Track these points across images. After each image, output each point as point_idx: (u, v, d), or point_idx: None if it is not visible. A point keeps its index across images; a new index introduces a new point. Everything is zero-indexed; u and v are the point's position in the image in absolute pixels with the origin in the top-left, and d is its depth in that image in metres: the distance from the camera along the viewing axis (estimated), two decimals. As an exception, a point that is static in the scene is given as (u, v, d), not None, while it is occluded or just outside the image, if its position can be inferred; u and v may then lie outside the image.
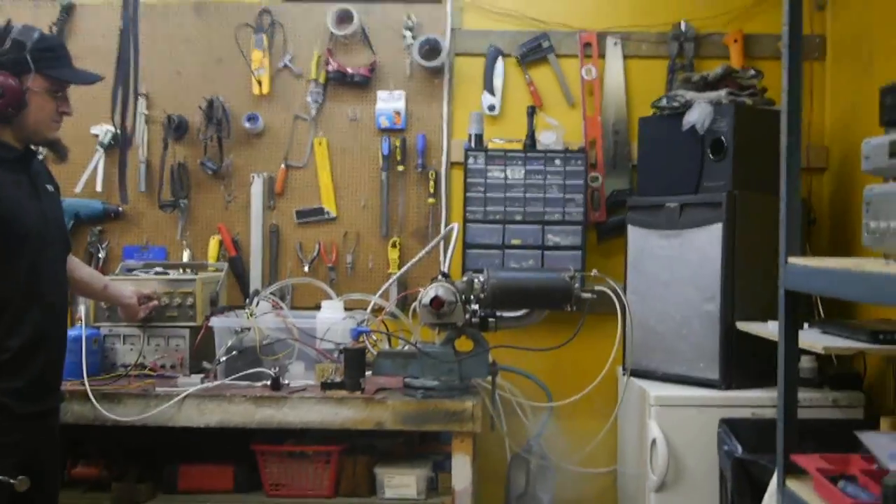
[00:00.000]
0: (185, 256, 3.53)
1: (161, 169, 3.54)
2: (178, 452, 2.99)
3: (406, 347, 3.00)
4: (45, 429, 2.50)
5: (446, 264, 3.10)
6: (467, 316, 2.89)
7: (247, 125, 3.53)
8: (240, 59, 3.54)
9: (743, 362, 2.98)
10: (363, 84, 3.55)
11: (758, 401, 2.90)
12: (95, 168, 3.53)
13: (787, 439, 2.05)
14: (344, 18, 3.52)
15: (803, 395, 2.86)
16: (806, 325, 2.74)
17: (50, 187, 2.56)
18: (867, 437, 1.94)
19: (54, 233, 2.52)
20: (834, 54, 3.58)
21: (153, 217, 3.58)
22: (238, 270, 3.51)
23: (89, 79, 2.58)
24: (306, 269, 3.55)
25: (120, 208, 3.54)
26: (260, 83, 3.53)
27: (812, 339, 2.43)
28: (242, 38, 3.55)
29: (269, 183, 3.56)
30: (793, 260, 2.05)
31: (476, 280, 2.90)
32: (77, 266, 2.80)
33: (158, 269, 3.26)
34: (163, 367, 3.08)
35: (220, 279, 3.30)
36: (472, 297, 2.89)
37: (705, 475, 2.87)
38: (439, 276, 2.94)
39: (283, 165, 3.56)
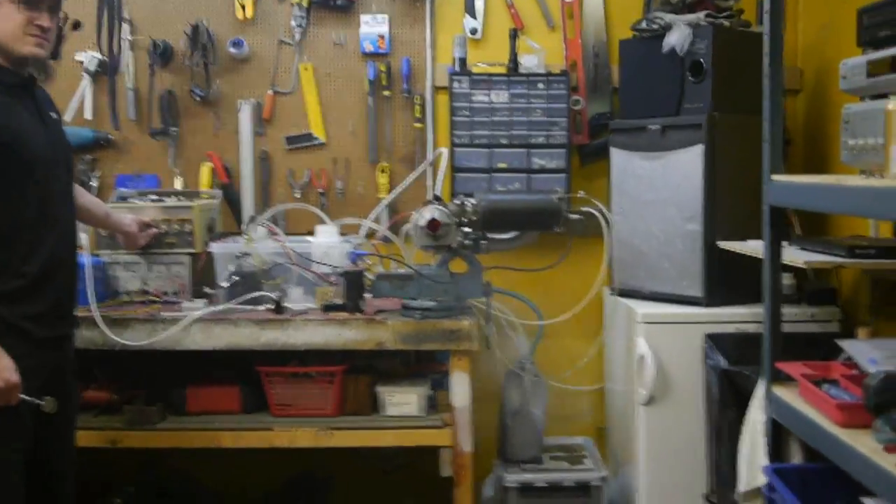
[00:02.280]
0: (178, 184, 3.57)
1: (150, 96, 3.55)
2: (184, 376, 3.08)
3: (403, 270, 3.09)
4: (63, 353, 2.58)
5: (437, 188, 3.18)
6: (460, 238, 3.00)
7: (232, 50, 3.54)
8: (222, -17, 3.54)
9: (725, 280, 3.11)
10: (346, 8, 3.57)
11: (740, 316, 3.04)
12: (83, 95, 3.54)
13: (774, 348, 2.19)
14: (327, -61, 3.53)
15: (783, 310, 3.04)
16: (785, 244, 2.89)
17: (53, 114, 2.58)
18: (848, 345, 2.10)
19: (61, 159, 2.55)
20: (807, -25, 3.66)
21: (144, 145, 3.60)
22: (231, 198, 3.56)
23: None
24: (297, 194, 3.61)
25: (110, 136, 3.56)
26: (244, 7, 3.53)
27: (793, 255, 2.57)
28: (224, -40, 3.55)
29: (257, 109, 3.60)
30: (776, 177, 2.17)
31: (468, 203, 3.00)
32: (80, 193, 2.84)
33: (153, 196, 3.31)
34: (164, 293, 3.15)
35: (215, 206, 3.36)
36: (464, 219, 2.99)
37: (691, 388, 3.02)
38: (432, 200, 3.03)
39: (270, 91, 3.59)
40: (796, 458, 2.22)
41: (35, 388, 2.40)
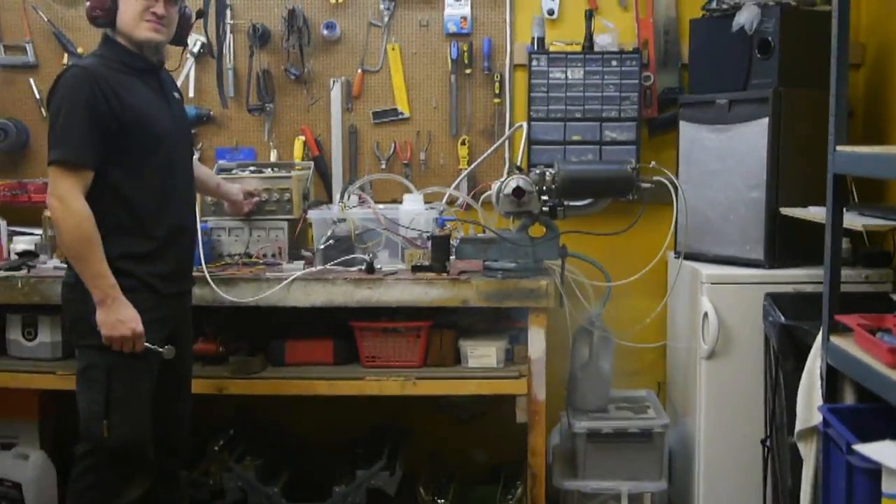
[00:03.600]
0: (273, 156, 3.86)
1: (249, 75, 3.84)
2: (283, 331, 3.38)
3: (485, 234, 3.34)
4: (182, 307, 2.90)
5: (519, 159, 3.42)
6: (539, 205, 3.23)
7: (325, 32, 3.81)
8: (314, -30, 3.82)
9: (785, 244, 3.31)
10: (432, -9, 3.83)
11: (798, 277, 3.25)
12: (188, 76, 3.85)
13: (832, 301, 2.40)
14: (417, -72, 3.77)
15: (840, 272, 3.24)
16: (845, 210, 3.08)
17: (176, 94, 2.89)
18: (901, 299, 2.30)
19: (183, 135, 2.86)
20: (871, -46, 3.81)
21: (241, 120, 3.90)
22: (321, 169, 3.84)
23: None
24: (383, 165, 3.88)
25: (210, 112, 3.87)
26: (337, -8, 3.81)
27: (852, 220, 2.77)
28: (317, -51, 3.82)
29: (347, 87, 3.87)
30: (840, 147, 2.36)
31: (547, 173, 3.23)
32: (196, 165, 3.14)
33: (252, 168, 3.60)
34: (265, 255, 3.44)
35: (309, 176, 3.64)
36: (543, 188, 3.23)
37: (750, 344, 3.25)
38: (515, 170, 3.27)
39: (359, 70, 3.86)
40: (849, 400, 2.43)
41: (160, 339, 2.72)
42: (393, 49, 3.85)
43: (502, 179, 3.24)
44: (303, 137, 3.86)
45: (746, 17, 3.32)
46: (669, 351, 3.89)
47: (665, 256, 3.75)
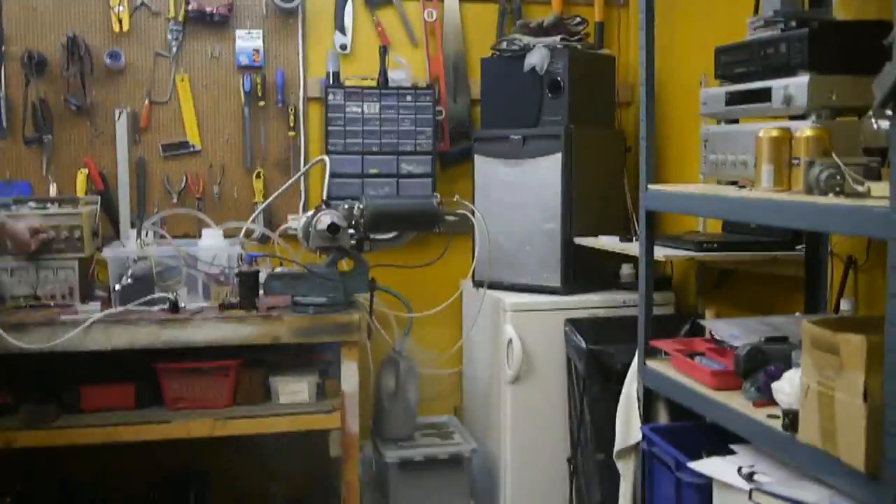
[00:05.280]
0: (52, 191, 3.61)
1: (24, 105, 3.57)
2: (80, 376, 3.15)
3: (293, 269, 3.30)
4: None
5: (324, 193, 3.40)
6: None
7: (108, 62, 3.62)
8: (94, -2, 3.63)
9: (578, 271, 3.53)
10: (222, 23, 3.73)
11: (593, 303, 3.48)
12: (-50, 104, 3.53)
13: (647, 328, 2.58)
14: (203, -42, 3.67)
15: (626, 296, 3.51)
16: (634, 240, 3.33)
17: None
18: (710, 324, 2.51)
19: None
20: (635, 1, 4.13)
21: (15, 152, 3.62)
22: (107, 204, 3.64)
23: None
24: (174, 199, 3.73)
25: (-22, 144, 3.57)
26: (120, 20, 3.63)
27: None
28: (97, -25, 3.63)
29: (133, 118, 3.69)
30: (652, 186, 2.56)
31: (356, 207, 3.24)
32: None
33: (32, 203, 3.35)
34: (52, 297, 3.21)
35: (96, 211, 3.44)
36: (352, 222, 3.23)
37: (552, 367, 3.44)
38: (322, 205, 3.26)
39: (146, 101, 3.70)
40: (663, 419, 2.63)
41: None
42: (182, 80, 3.72)
43: (309, 214, 3.22)
44: (86, 170, 3.64)
45: (538, 59, 3.51)
46: (466, 377, 4.00)
47: (460, 284, 3.88)
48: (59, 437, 3.04)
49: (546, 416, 3.44)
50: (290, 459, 3.74)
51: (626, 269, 3.65)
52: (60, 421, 3.07)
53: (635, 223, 3.82)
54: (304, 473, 3.76)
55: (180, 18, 3.69)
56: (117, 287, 3.16)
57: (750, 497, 1.93)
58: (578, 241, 3.46)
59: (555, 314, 3.42)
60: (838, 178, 1.88)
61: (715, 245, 2.87)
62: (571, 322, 3.36)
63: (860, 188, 1.82)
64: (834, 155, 1.88)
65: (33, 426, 3.02)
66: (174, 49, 3.70)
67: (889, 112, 1.65)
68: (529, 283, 3.58)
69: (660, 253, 2.83)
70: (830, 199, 1.85)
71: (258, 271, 3.21)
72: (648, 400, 2.60)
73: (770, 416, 2.06)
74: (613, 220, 3.66)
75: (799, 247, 2.88)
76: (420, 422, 3.73)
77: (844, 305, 2.40)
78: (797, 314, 2.74)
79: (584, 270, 3.53)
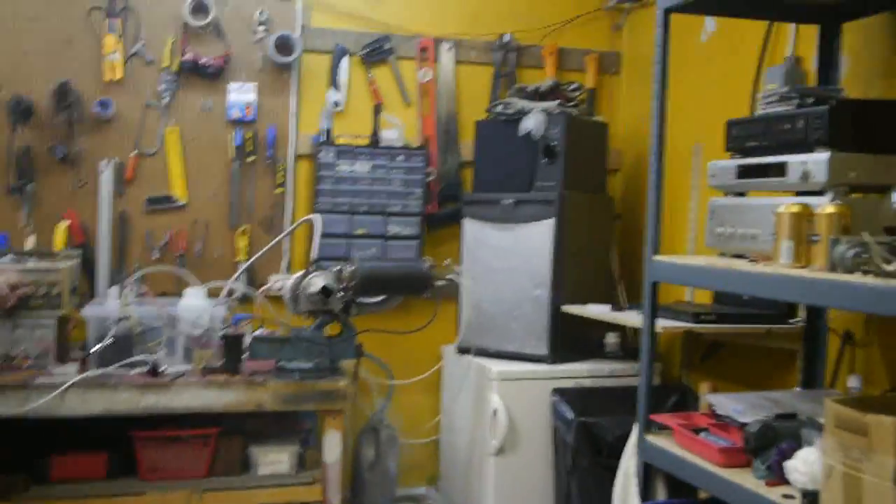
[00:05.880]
0: (30, 242, 3.48)
1: (7, 152, 3.46)
2: (48, 444, 3.02)
3: (278, 333, 3.19)
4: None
5: (314, 254, 3.31)
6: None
7: (97, 110, 3.53)
8: (90, 43, 3.54)
9: (565, 340, 3.45)
10: (216, 75, 3.65)
11: (579, 372, 3.40)
12: (-70, 150, 3.41)
13: (647, 402, 2.51)
14: (199, 9, 3.61)
15: (612, 366, 3.46)
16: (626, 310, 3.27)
17: None
18: (712, 398, 2.44)
19: None
20: (627, 70, 4.13)
21: (-5, 202, 3.51)
22: (86, 258, 3.52)
23: None
24: (156, 256, 3.62)
25: (-44, 193, 3.44)
26: (113, 68, 3.54)
27: (627, 318, 2.94)
28: (93, 21, 3.55)
29: (119, 169, 3.59)
30: (657, 258, 2.50)
31: (345, 269, 3.16)
32: None
33: (11, 256, 3.23)
34: (27, 357, 3.07)
35: (76, 267, 3.32)
36: (341, 284, 3.14)
37: (537, 439, 3.33)
38: (311, 267, 3.17)
39: (133, 152, 3.60)
40: (661, 495, 2.54)
41: None
42: (172, 132, 3.64)
43: (298, 276, 3.13)
44: (67, 222, 3.52)
45: (534, 124, 3.47)
46: (444, 446, 3.89)
47: (440, 351, 3.80)
48: (25, 510, 2.90)
49: (531, 490, 3.33)
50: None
51: (610, 339, 3.59)
52: (31, 492, 2.93)
53: (621, 291, 3.78)
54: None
55: (174, 69, 3.61)
56: (94, 348, 3.04)
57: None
58: (567, 309, 3.39)
59: (542, 383, 3.33)
60: (864, 256, 1.83)
61: (712, 317, 2.82)
62: (559, 392, 3.27)
63: (888, 267, 1.76)
64: (864, 234, 1.83)
65: (3, 498, 2.88)
66: (165, 99, 3.62)
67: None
68: (516, 350, 3.49)
69: (660, 324, 2.77)
70: (859, 278, 1.80)
71: (243, 334, 3.10)
72: (647, 476, 2.51)
73: (785, 497, 1.99)
74: (599, 288, 3.60)
75: (792, 320, 2.84)
76: (399, 494, 3.61)
77: (852, 382, 2.35)
78: (797, 389, 2.69)
79: (570, 339, 3.46)
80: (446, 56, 3.92)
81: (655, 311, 2.53)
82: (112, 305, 3.14)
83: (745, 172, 2.39)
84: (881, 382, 2.46)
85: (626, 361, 3.51)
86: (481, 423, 3.41)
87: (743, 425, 2.22)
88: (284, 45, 3.69)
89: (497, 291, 3.54)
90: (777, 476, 2.06)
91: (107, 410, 2.89)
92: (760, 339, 2.92)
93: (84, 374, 2.92)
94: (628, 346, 3.60)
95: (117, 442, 3.04)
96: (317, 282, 3.02)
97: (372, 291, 3.23)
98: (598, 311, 3.31)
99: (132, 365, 3.03)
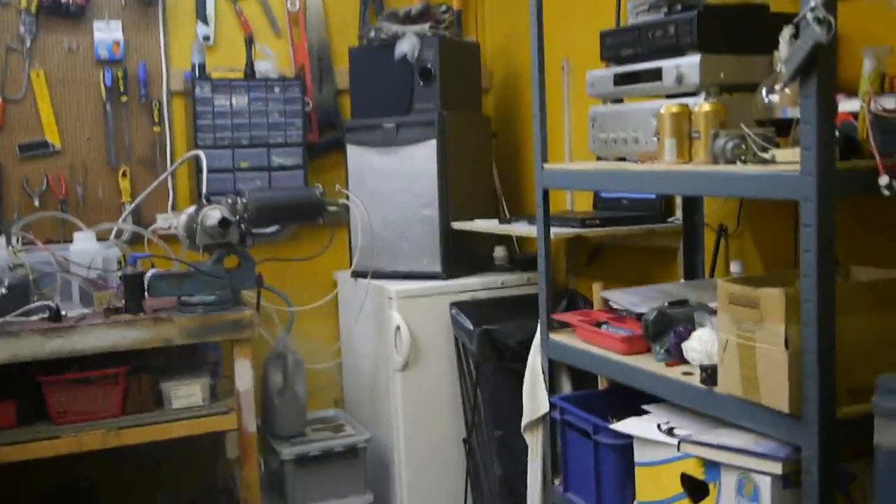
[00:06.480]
0: None
1: None
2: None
3: (178, 269, 3.21)
4: None
5: (203, 189, 3.33)
6: (234, 234, 3.19)
7: (-46, 58, 3.41)
8: (-62, -12, 3.40)
9: (457, 256, 3.61)
10: (78, 14, 3.56)
11: (473, 286, 3.56)
12: None
13: (548, 303, 2.69)
14: (54, -54, 3.50)
15: (503, 277, 3.64)
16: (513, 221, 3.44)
17: None
18: (609, 294, 2.64)
19: None
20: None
21: None
22: (-39, 209, 3.43)
23: None
24: (36, 203, 3.55)
25: None
26: (-33, 12, 3.42)
27: (530, 229, 3.11)
28: (-63, -35, 3.40)
29: (-14, 117, 3.49)
30: (547, 166, 2.65)
31: (239, 201, 3.19)
32: None
33: None
34: (-88, 312, 3.00)
35: (-46, 219, 3.24)
36: (235, 216, 3.18)
37: (440, 352, 3.49)
38: (202, 201, 3.19)
39: (-1, 99, 3.51)
40: (566, 389, 2.74)
41: None
42: (38, 76, 3.54)
43: (190, 211, 3.15)
44: (-65, 176, 3.41)
45: (408, 47, 3.55)
46: (347, 369, 4.01)
47: (334, 276, 3.90)
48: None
49: (437, 401, 3.49)
50: (178, 467, 3.64)
51: (499, 252, 3.76)
52: (-64, 445, 2.89)
53: (503, 205, 3.96)
54: (192, 481, 3.67)
55: (33, 9, 3.50)
56: (-10, 297, 2.98)
57: (678, 448, 2.06)
58: (457, 225, 3.54)
59: (439, 299, 3.48)
60: (743, 147, 2.03)
61: (597, 221, 3.02)
62: (457, 305, 3.43)
63: (766, 155, 1.97)
64: (742, 125, 2.03)
65: None
66: (27, 42, 3.51)
67: (798, 84, 1.80)
68: (410, 270, 3.62)
69: (555, 231, 2.93)
70: (741, 167, 2.00)
71: (143, 273, 3.11)
72: (552, 372, 2.70)
73: (685, 374, 2.19)
74: (483, 203, 3.76)
75: (671, 219, 3.08)
76: (308, 418, 3.71)
77: (734, 267, 2.58)
78: (681, 281, 2.92)
79: (460, 255, 3.61)
80: (312, -16, 3.95)
81: (549, 218, 2.69)
82: (1, 254, 3.08)
83: (621, 80, 2.56)
84: (757, 268, 2.71)
85: (514, 273, 3.69)
86: (384, 342, 3.54)
87: (639, 315, 2.41)
88: (146, -20, 3.63)
89: (386, 214, 3.65)
90: (676, 357, 2.24)
91: (12, 358, 2.86)
92: (642, 239, 3.14)
93: (-18, 324, 2.88)
94: (516, 257, 3.80)
95: (25, 390, 3.00)
96: (213, 214, 3.05)
97: (266, 221, 3.28)
98: (487, 225, 3.47)
99: (29, 312, 2.99)
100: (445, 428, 3.49)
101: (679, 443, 2.07)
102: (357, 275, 3.67)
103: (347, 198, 3.51)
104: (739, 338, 1.96)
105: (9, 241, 3.13)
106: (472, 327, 3.28)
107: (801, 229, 1.81)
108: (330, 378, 4.06)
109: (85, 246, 3.23)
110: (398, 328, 3.43)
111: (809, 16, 1.74)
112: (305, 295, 3.70)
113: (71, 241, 3.28)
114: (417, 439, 3.49)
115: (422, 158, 3.56)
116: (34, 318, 2.98)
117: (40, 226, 3.47)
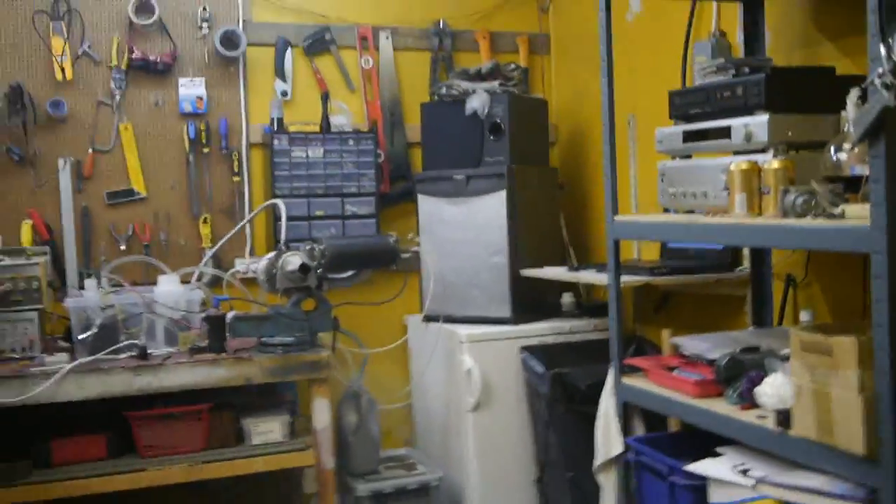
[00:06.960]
0: (-3, 243, 3.56)
1: (-35, 157, 3.53)
2: (46, 430, 3.12)
3: (258, 311, 3.36)
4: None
5: (281, 236, 3.48)
6: (311, 279, 3.33)
7: (51, 111, 3.61)
8: (37, 46, 3.62)
9: (524, 301, 3.72)
10: (165, 71, 3.77)
11: (541, 331, 3.66)
12: None
13: (619, 347, 2.78)
14: (144, 8, 3.72)
15: (571, 323, 3.72)
16: (583, 270, 3.55)
17: None
18: (681, 341, 2.72)
19: None
20: (556, 50, 4.42)
21: (-44, 205, 3.55)
22: (53, 253, 3.60)
23: None
24: (122, 247, 3.73)
25: (-83, 198, 3.48)
26: (63, 69, 3.63)
27: (599, 277, 3.21)
28: (38, 24, 3.62)
29: (77, 167, 3.68)
30: (618, 217, 2.77)
31: (316, 248, 3.34)
32: None
33: (-18, 256, 3.30)
34: (13, 350, 3.16)
35: (48, 262, 3.41)
36: (314, 262, 3.33)
37: (510, 394, 3.59)
38: (281, 247, 3.34)
39: (89, 150, 3.69)
40: (640, 431, 2.83)
41: None
42: (126, 129, 3.74)
43: (270, 256, 3.31)
44: (30, 221, 3.60)
45: (479, 103, 3.70)
46: (417, 410, 4.12)
47: (404, 321, 4.03)
48: (33, 492, 3.00)
49: (509, 441, 3.58)
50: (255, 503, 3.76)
51: (566, 299, 3.86)
52: (34, 476, 3.03)
53: (570, 253, 4.07)
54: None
55: (123, 67, 3.72)
56: (81, 337, 3.15)
57: (754, 488, 2.13)
58: (525, 272, 3.65)
59: (508, 343, 3.59)
60: (813, 202, 2.13)
61: (666, 270, 3.11)
62: (527, 349, 3.53)
63: (836, 210, 2.06)
64: (813, 182, 2.13)
65: (7, 483, 2.97)
66: (117, 97, 3.72)
67: (867, 145, 1.90)
68: (479, 315, 3.73)
69: (627, 279, 3.03)
70: (811, 221, 2.09)
71: (225, 315, 3.25)
72: (626, 414, 2.79)
73: (759, 417, 2.27)
74: (550, 251, 3.88)
75: (738, 269, 3.16)
76: (381, 456, 3.81)
77: (804, 316, 2.66)
78: (750, 328, 3.00)
79: (529, 301, 3.72)
80: (385, 43, 4.12)
81: (619, 267, 2.80)
82: (92, 296, 3.25)
83: (689, 137, 2.68)
84: (825, 317, 2.78)
85: (582, 318, 3.78)
86: (455, 384, 3.64)
87: (711, 361, 2.50)
88: (230, 40, 3.83)
89: (456, 261, 3.77)
90: (748, 401, 2.32)
91: (103, 393, 3.01)
92: (709, 288, 3.22)
93: (78, 361, 3.03)
94: (583, 304, 3.90)
95: (113, 425, 3.16)
96: (294, 260, 3.20)
97: (342, 267, 3.42)
98: (555, 272, 3.58)
99: (119, 350, 3.14)
100: (516, 468, 3.58)
101: (755, 483, 2.14)
102: (429, 319, 3.79)
103: (419, 245, 3.64)
104: (813, 383, 2.04)
105: (99, 283, 3.29)
106: (543, 370, 3.38)
107: (873, 281, 1.90)
108: (401, 418, 4.17)
109: (169, 288, 3.38)
110: (469, 370, 3.54)
111: (878, 81, 1.84)
112: (377, 338, 3.81)
113: (155, 283, 3.44)
114: (489, 479, 3.57)
115: (491, 209, 3.69)
116: (123, 356, 3.14)
117: (126, 269, 3.64)
